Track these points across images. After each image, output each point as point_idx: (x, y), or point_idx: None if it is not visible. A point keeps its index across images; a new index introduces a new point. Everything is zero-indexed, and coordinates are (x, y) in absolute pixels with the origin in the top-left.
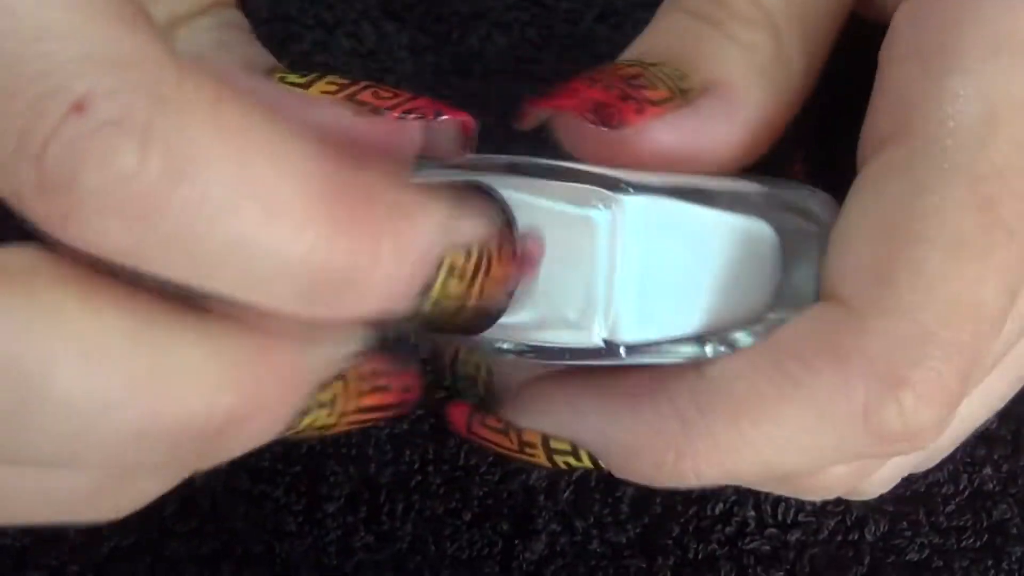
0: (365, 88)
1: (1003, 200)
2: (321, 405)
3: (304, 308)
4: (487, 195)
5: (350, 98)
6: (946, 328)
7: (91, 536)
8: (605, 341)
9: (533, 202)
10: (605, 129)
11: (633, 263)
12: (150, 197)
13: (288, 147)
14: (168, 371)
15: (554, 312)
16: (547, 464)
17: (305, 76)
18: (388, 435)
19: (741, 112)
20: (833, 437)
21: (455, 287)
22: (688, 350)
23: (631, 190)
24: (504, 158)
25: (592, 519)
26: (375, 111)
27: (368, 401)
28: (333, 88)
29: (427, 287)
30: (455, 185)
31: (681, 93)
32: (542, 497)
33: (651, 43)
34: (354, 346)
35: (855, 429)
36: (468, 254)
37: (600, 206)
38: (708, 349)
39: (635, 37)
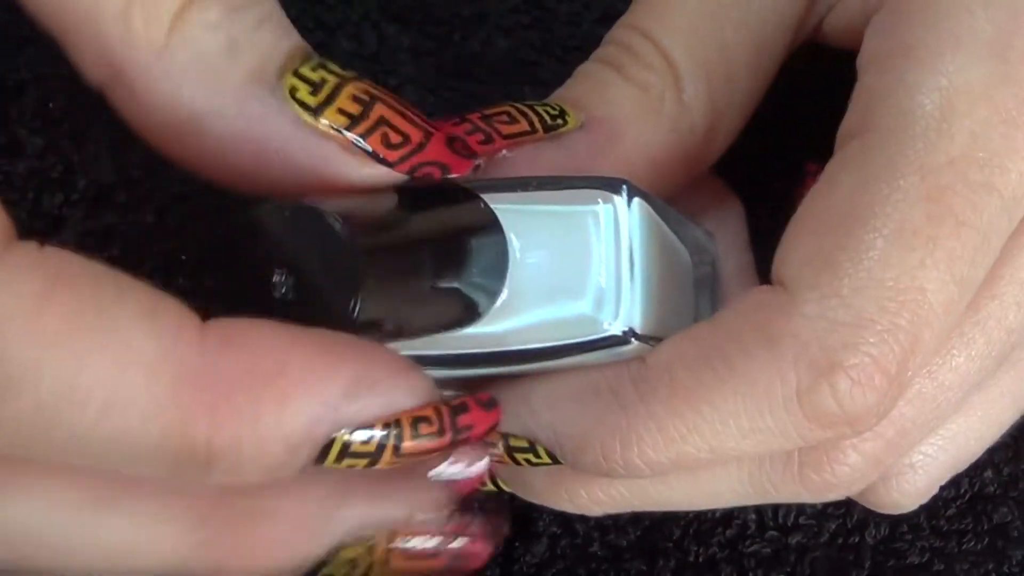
0: (377, 126)
1: (955, 190)
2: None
3: (182, 480)
4: (414, 367)
5: (361, 135)
6: (882, 313)
7: None
8: (625, 330)
9: (538, 209)
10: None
11: (634, 259)
12: None
13: (131, 334)
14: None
15: (562, 309)
16: (513, 464)
17: (319, 92)
18: None
19: (617, 147)
20: (771, 420)
21: (356, 460)
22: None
23: (626, 190)
24: (515, 178)
25: (593, 522)
26: (380, 161)
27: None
28: (343, 121)
29: (321, 457)
30: (369, 353)
31: (549, 128)
32: None
33: (564, 88)
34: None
35: (792, 413)
36: (368, 435)
37: (601, 203)
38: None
39: None
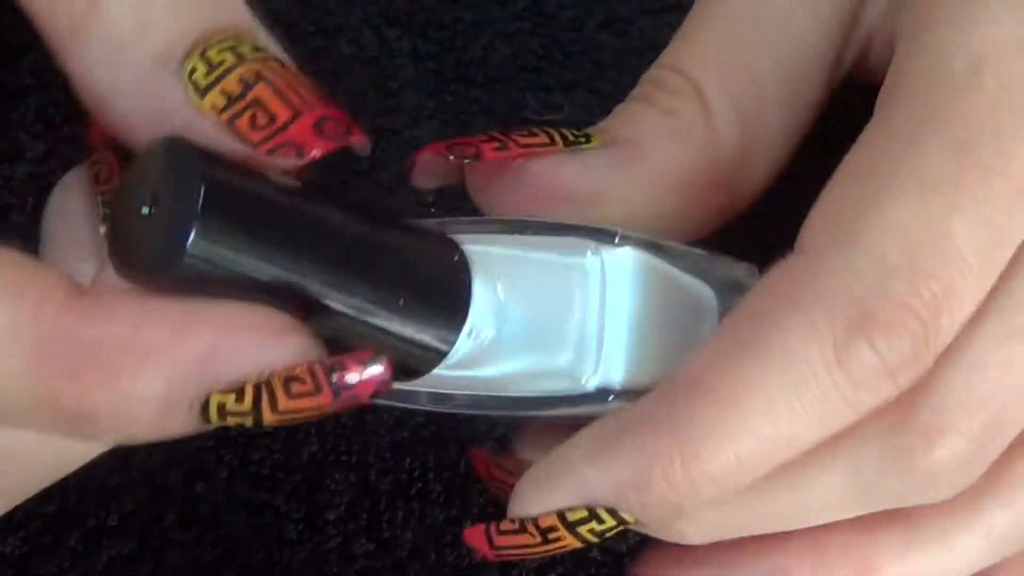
0: (246, 110)
1: (983, 139)
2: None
3: (69, 435)
4: (289, 329)
5: (230, 121)
6: (909, 259)
7: (91, 544)
8: (597, 387)
9: (525, 255)
10: (467, 161)
11: (622, 310)
12: None
13: None
14: None
15: (543, 361)
16: (577, 543)
17: (211, 73)
18: (388, 442)
19: (640, 165)
20: (817, 390)
21: (238, 417)
22: None
23: (618, 240)
24: (505, 218)
25: None
26: (244, 142)
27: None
28: (222, 103)
29: (204, 415)
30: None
31: (570, 144)
32: None
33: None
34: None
35: (834, 375)
36: (239, 392)
37: (590, 254)
38: None
39: (639, 44)
